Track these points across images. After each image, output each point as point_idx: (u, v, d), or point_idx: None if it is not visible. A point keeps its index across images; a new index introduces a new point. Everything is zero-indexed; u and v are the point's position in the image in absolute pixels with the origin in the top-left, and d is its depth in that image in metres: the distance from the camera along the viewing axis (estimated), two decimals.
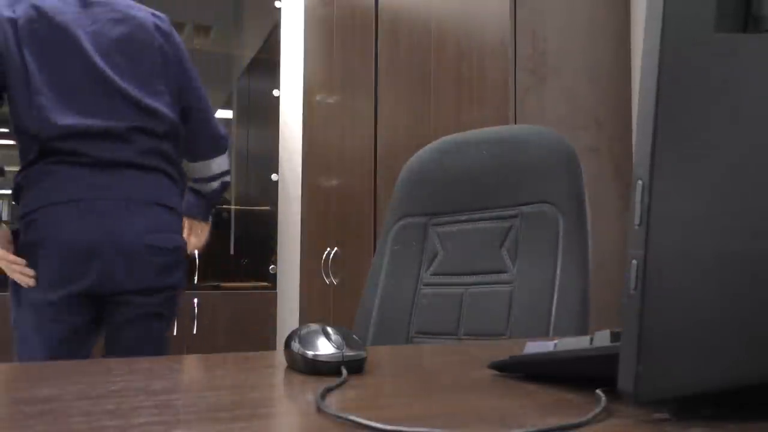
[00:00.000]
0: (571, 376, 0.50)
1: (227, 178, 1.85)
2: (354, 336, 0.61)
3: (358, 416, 0.38)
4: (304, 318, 3.13)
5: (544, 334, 1.02)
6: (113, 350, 1.61)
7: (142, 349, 1.60)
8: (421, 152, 1.30)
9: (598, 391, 0.43)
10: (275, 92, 3.31)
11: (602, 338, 0.46)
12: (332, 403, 0.45)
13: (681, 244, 0.35)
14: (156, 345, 1.63)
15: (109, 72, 1.58)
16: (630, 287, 0.35)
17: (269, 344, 3.05)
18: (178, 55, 1.73)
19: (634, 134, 2.01)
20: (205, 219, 1.87)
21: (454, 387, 0.55)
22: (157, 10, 1.78)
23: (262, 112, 2.84)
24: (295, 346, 0.59)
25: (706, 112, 0.36)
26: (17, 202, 1.59)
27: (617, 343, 0.41)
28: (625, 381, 0.35)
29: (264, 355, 0.78)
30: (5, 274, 1.59)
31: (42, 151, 1.53)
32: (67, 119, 1.52)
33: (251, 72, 3.23)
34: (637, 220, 0.35)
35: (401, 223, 1.26)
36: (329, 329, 0.60)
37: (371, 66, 2.56)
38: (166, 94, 1.65)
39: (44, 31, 1.55)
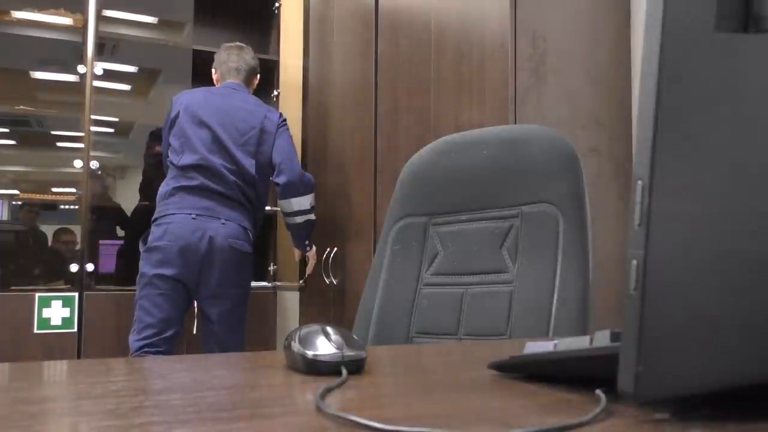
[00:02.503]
0: (571, 376, 0.50)
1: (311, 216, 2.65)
2: (354, 336, 0.61)
3: (358, 416, 0.38)
4: (304, 318, 3.13)
5: (544, 334, 1.02)
6: None
7: None
8: (421, 152, 1.30)
9: (598, 391, 0.43)
10: (275, 92, 3.31)
11: (602, 338, 0.46)
12: (332, 403, 0.45)
13: (681, 244, 0.35)
14: None
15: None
16: (630, 287, 0.35)
17: (269, 344, 3.05)
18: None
19: (634, 134, 2.01)
20: (299, 248, 2.78)
21: (454, 387, 0.55)
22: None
23: None
24: (295, 346, 0.59)
25: (706, 112, 0.36)
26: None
27: (617, 343, 0.41)
28: (625, 381, 0.35)
29: (264, 355, 0.78)
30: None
31: None
32: None
33: None
34: (637, 220, 0.35)
35: (401, 223, 1.26)
36: (329, 329, 0.60)
37: (371, 66, 2.56)
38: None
39: None
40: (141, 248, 2.40)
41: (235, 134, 2.45)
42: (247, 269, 2.46)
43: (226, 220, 2.38)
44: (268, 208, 3.07)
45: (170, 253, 2.29)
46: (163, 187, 2.43)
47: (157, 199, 2.43)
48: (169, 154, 2.46)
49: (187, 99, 2.49)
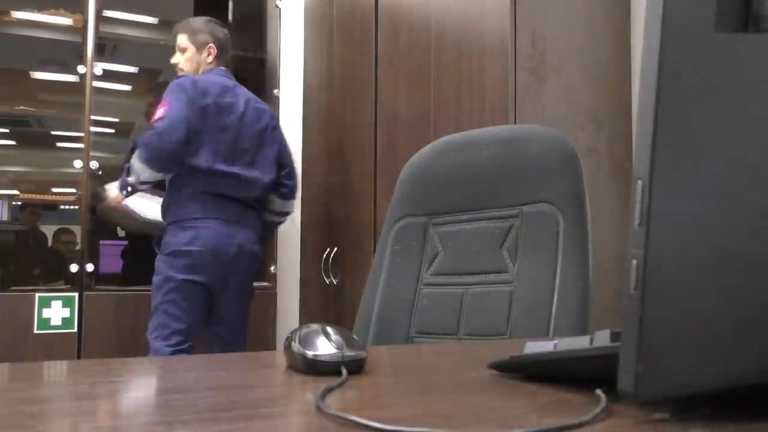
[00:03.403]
0: (571, 376, 0.50)
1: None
2: (354, 336, 0.61)
3: (358, 416, 0.38)
4: (304, 318, 3.12)
5: (544, 334, 1.02)
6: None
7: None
8: (421, 152, 1.30)
9: (598, 391, 0.43)
10: (275, 92, 3.31)
11: (602, 338, 0.46)
12: (332, 403, 0.45)
13: (681, 244, 0.35)
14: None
15: None
16: (630, 287, 0.35)
17: (269, 344, 3.05)
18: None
19: (634, 134, 2.01)
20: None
21: (454, 387, 0.55)
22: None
23: None
24: (295, 346, 0.59)
25: (706, 112, 0.36)
26: None
27: (617, 343, 0.40)
28: (625, 381, 0.35)
29: (264, 355, 0.78)
30: None
31: None
32: None
33: (251, 72, 3.22)
34: (637, 220, 0.34)
35: (401, 223, 1.26)
36: (329, 329, 0.60)
37: (371, 66, 2.56)
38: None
39: None
40: (158, 250, 2.34)
41: (253, 138, 2.41)
42: (256, 272, 2.50)
43: (246, 224, 2.38)
44: None
45: (202, 259, 2.25)
46: (179, 187, 2.32)
47: (171, 198, 2.35)
48: (186, 151, 2.29)
49: (213, 93, 2.33)
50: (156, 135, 2.23)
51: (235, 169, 2.35)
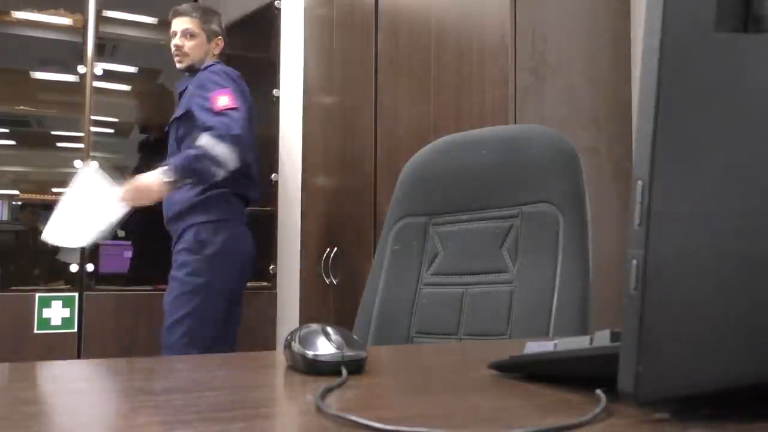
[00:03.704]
0: (571, 376, 0.50)
1: None
2: (354, 336, 0.61)
3: (358, 416, 0.38)
4: (304, 318, 3.12)
5: (544, 334, 1.02)
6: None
7: None
8: (421, 152, 1.30)
9: (598, 391, 0.43)
10: (275, 92, 3.31)
11: (602, 338, 0.46)
12: (332, 403, 0.45)
13: (681, 244, 0.35)
14: None
15: None
16: (630, 287, 0.35)
17: (269, 344, 3.05)
18: None
19: (634, 134, 2.01)
20: None
21: (454, 387, 0.55)
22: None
23: (262, 113, 2.84)
24: (295, 346, 0.59)
25: (706, 112, 0.36)
26: None
27: (617, 343, 0.40)
28: (625, 381, 0.35)
29: (264, 355, 0.78)
30: None
31: None
32: None
33: (251, 72, 3.22)
34: (637, 220, 0.34)
35: (401, 223, 1.26)
36: (329, 329, 0.60)
37: (371, 66, 2.56)
38: None
39: None
40: (194, 249, 2.23)
41: (253, 139, 2.42)
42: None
43: (248, 225, 2.41)
44: (267, 208, 3.08)
45: (237, 261, 2.27)
46: (210, 186, 2.24)
47: (199, 197, 2.26)
48: None
49: (247, 90, 2.33)
50: (242, 125, 2.15)
51: (254, 171, 2.39)
